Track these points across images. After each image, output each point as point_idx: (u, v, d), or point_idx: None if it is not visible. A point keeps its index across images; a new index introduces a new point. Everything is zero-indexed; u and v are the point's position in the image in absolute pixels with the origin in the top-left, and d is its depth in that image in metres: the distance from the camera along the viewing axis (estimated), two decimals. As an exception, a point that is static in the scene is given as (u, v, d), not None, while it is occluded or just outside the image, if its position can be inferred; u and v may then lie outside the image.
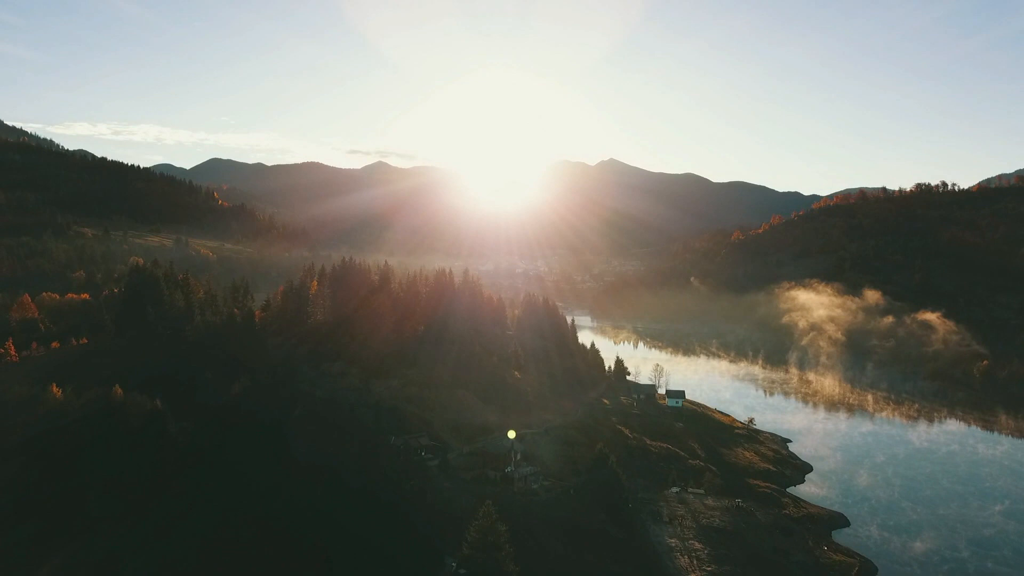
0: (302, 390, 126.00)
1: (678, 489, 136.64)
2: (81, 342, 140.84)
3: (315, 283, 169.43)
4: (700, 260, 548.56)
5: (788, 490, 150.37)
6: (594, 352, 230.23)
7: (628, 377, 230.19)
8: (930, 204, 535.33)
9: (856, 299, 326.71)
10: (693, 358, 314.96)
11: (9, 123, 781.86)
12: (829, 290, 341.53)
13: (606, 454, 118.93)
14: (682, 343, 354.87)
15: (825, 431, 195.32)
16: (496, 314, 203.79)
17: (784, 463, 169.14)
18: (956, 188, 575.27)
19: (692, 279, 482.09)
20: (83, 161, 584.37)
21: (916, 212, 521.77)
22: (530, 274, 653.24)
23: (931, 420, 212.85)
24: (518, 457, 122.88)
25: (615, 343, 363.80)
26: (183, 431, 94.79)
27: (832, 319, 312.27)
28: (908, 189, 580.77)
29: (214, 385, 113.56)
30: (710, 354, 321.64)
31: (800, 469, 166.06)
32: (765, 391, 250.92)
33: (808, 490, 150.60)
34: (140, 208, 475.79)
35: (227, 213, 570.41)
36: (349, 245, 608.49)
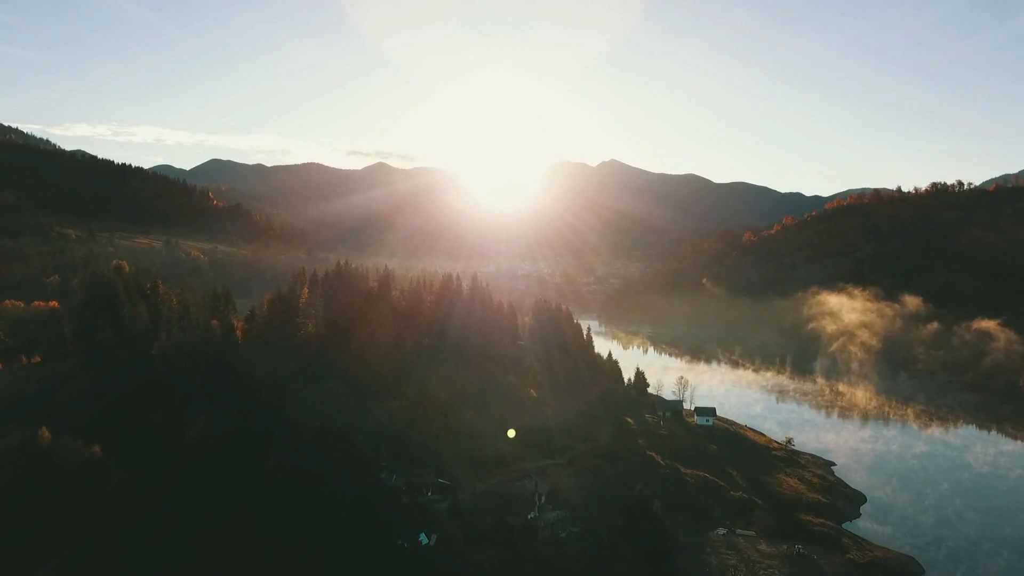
0: (288, 416, 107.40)
1: (725, 531, 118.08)
2: (33, 361, 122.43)
3: (306, 290, 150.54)
4: (710, 262, 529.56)
5: (844, 527, 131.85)
6: (612, 364, 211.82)
7: (649, 390, 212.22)
8: (946, 204, 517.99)
9: (894, 305, 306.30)
10: (714, 367, 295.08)
11: (7, 124, 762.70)
12: (866, 295, 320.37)
13: (648, 497, 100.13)
14: (701, 350, 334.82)
15: (874, 452, 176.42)
16: (507, 323, 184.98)
17: (834, 492, 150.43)
18: (972, 187, 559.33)
19: (705, 282, 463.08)
20: (73, 160, 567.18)
21: (932, 213, 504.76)
22: (532, 276, 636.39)
23: (985, 439, 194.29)
24: (542, 500, 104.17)
25: (624, 348, 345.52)
26: (125, 484, 76.43)
27: (865, 325, 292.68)
28: (923, 188, 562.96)
29: (176, 418, 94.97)
30: (732, 362, 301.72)
31: (853, 500, 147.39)
32: (799, 404, 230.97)
33: (868, 526, 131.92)
34: (132, 209, 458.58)
35: (222, 213, 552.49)
36: (349, 247, 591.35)
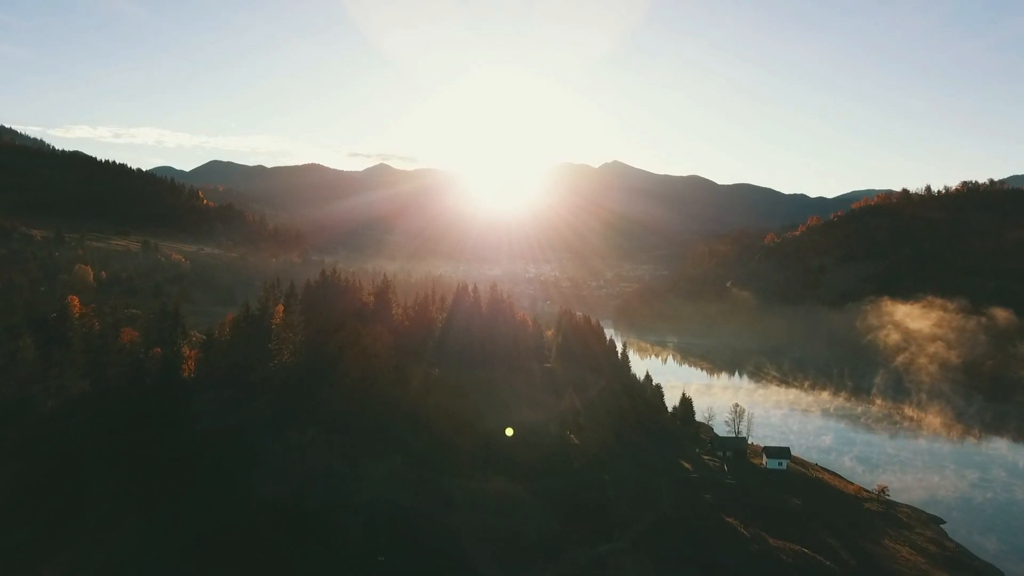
0: (236, 498, 74.35)
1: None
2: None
3: (281, 306, 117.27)
4: (732, 265, 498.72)
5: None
6: (655, 389, 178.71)
7: (697, 419, 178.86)
8: (979, 204, 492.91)
9: (979, 317, 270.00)
10: (762, 386, 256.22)
11: (6, 125, 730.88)
12: (953, 306, 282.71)
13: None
14: (743, 364, 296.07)
15: (993, 505, 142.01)
16: (533, 344, 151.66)
17: (962, 568, 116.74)
18: (1007, 187, 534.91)
19: (730, 286, 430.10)
20: (55, 157, 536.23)
21: (965, 213, 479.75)
22: (538, 280, 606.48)
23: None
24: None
25: (641, 359, 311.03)
26: None
27: (939, 338, 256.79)
28: (954, 188, 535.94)
29: (47, 531, 61.55)
30: (780, 380, 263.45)
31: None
32: (874, 434, 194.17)
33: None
34: (113, 208, 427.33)
35: (211, 214, 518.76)
36: (348, 249, 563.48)
